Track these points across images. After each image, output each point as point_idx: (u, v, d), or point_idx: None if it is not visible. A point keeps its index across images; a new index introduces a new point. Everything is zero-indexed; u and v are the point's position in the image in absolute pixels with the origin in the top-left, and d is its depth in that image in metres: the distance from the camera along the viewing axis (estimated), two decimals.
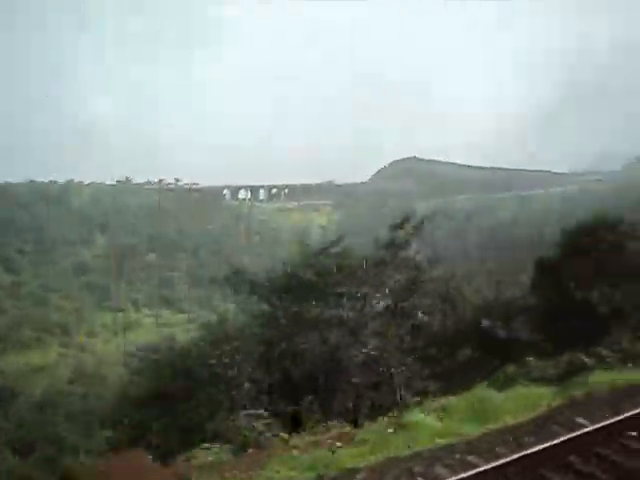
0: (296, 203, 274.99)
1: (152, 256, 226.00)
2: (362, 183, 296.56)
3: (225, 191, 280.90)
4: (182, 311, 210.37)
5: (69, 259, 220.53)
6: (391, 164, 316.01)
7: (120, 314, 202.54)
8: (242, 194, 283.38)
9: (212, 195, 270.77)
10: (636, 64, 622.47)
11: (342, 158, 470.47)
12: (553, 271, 35.57)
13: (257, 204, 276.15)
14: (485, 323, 36.99)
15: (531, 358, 24.73)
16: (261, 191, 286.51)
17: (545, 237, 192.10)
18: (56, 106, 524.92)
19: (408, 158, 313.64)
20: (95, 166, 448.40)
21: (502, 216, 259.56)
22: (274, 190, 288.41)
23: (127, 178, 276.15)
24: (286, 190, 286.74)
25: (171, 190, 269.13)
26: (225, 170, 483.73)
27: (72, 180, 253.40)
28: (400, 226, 38.65)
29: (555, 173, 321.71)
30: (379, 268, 34.46)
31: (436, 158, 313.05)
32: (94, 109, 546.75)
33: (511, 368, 24.43)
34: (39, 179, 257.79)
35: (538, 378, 21.76)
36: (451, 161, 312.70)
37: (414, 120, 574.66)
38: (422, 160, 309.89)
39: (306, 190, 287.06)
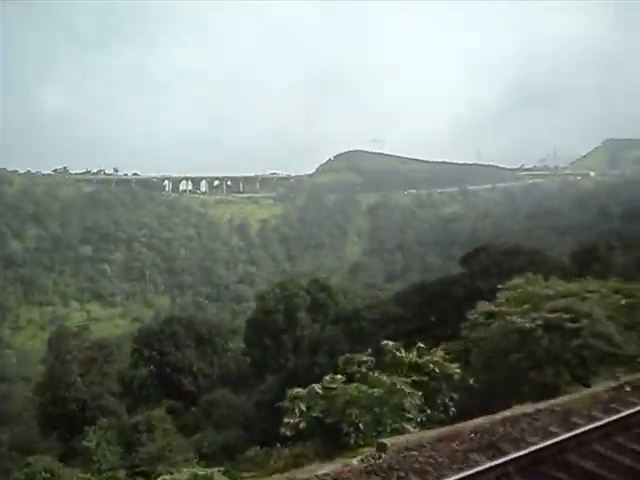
0: (238, 196, 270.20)
1: (85, 248, 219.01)
2: (307, 175, 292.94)
3: (166, 182, 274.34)
4: (114, 305, 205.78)
5: None
6: (336, 157, 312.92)
7: (49, 308, 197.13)
8: (183, 185, 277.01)
9: (152, 186, 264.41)
10: (583, 65, 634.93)
11: (288, 151, 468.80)
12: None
13: (198, 196, 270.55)
14: None
15: None
16: (203, 183, 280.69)
17: (480, 234, 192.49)
18: None
19: (354, 151, 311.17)
20: (33, 155, 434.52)
21: (446, 211, 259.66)
22: (216, 182, 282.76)
23: (65, 168, 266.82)
24: (228, 182, 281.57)
25: (109, 181, 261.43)
26: (170, 161, 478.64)
27: (4, 169, 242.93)
28: None
29: (502, 168, 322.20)
30: None
31: (382, 152, 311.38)
32: (37, 98, 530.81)
33: None
34: None
35: None
36: (397, 155, 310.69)
37: (364, 116, 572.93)
38: (367, 153, 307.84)
39: (249, 182, 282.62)
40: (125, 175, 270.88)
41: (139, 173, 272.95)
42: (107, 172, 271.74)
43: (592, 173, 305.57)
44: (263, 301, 55.15)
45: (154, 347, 52.68)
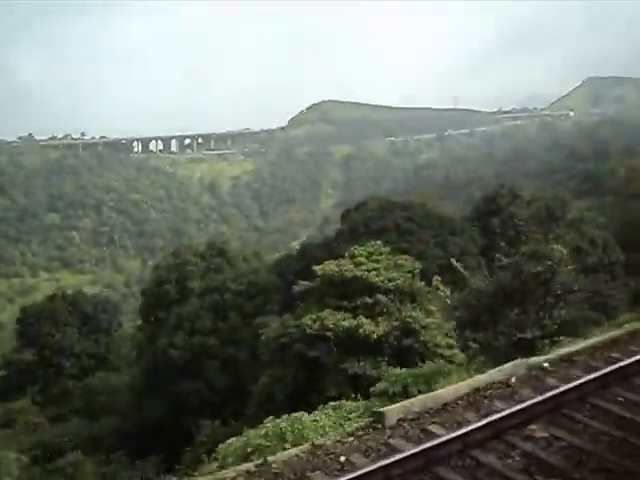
0: (209, 153, 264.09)
1: (52, 216, 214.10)
2: (279, 129, 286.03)
3: (135, 144, 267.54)
4: (83, 272, 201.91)
5: None
6: (308, 109, 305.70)
7: (17, 280, 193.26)
8: (153, 146, 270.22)
9: (120, 149, 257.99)
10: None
11: (261, 104, 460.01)
12: None
13: (168, 155, 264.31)
14: None
15: None
16: (173, 142, 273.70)
17: (453, 180, 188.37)
18: None
19: (326, 101, 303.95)
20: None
21: (421, 158, 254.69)
22: (187, 141, 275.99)
23: (30, 135, 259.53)
24: (199, 140, 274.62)
25: (75, 146, 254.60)
26: (140, 122, 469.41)
27: None
28: None
29: (481, 112, 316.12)
30: None
31: (354, 100, 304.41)
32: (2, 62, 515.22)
33: None
34: None
35: None
36: (371, 103, 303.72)
37: (340, 67, 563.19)
38: (340, 103, 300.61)
39: (221, 139, 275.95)
40: (92, 139, 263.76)
41: (106, 136, 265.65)
42: (74, 137, 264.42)
43: (571, 113, 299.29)
44: (156, 271, 51.18)
45: (35, 328, 48.83)
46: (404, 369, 14.23)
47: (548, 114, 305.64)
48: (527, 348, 18.13)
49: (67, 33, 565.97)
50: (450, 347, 21.50)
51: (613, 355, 11.50)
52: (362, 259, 23.32)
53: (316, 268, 22.95)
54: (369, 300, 21.80)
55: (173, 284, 47.56)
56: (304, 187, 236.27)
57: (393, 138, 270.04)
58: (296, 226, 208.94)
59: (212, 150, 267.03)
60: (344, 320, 21.16)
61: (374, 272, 22.45)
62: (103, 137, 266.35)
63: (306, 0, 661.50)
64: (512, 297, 24.75)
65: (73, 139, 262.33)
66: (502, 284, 25.09)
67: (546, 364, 11.35)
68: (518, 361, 11.55)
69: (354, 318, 21.37)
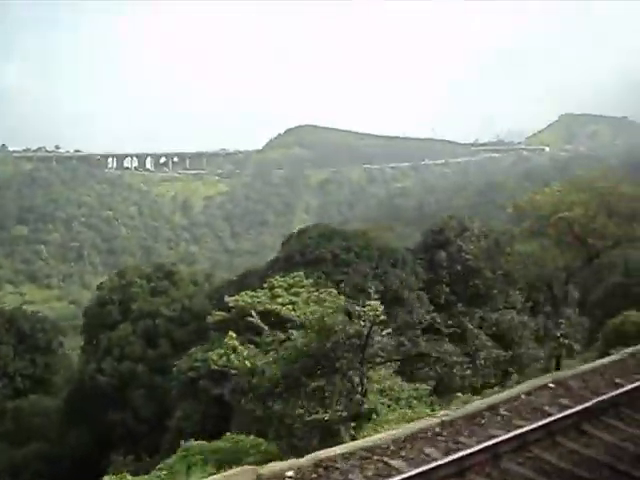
0: (184, 172, 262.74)
1: (20, 229, 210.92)
2: (256, 151, 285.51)
3: (109, 159, 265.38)
4: (50, 287, 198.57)
5: None
6: (286, 132, 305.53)
7: None
8: (127, 162, 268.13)
9: (94, 163, 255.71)
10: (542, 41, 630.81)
11: (239, 126, 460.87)
12: None
13: (143, 173, 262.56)
14: None
15: None
16: (148, 159, 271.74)
17: (425, 209, 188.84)
18: None
19: (304, 126, 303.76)
20: None
21: (396, 186, 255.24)
22: (162, 159, 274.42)
23: (3, 145, 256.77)
24: (175, 159, 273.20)
25: (49, 158, 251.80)
26: (117, 139, 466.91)
27: None
28: None
29: (457, 143, 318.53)
30: None
31: (333, 126, 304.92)
32: None
33: None
34: None
35: None
36: (350, 130, 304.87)
37: (319, 92, 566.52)
38: (319, 128, 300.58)
39: (197, 158, 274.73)
40: (67, 152, 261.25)
41: (81, 150, 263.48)
42: (48, 149, 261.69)
43: (547, 148, 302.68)
44: (100, 291, 49.82)
45: None
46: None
47: (523, 148, 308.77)
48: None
49: (43, 45, 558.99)
50: None
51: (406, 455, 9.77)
52: (280, 291, 22.41)
53: (229, 299, 21.99)
54: (282, 336, 20.80)
55: (116, 305, 46.26)
56: (278, 210, 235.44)
57: (369, 165, 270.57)
58: (267, 249, 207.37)
59: (187, 169, 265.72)
60: (253, 357, 20.10)
61: (290, 306, 21.50)
62: (78, 151, 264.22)
63: (288, 20, 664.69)
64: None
65: (47, 152, 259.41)
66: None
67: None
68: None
69: (265, 354, 20.37)
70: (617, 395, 12.25)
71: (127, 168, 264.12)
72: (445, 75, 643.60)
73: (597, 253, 35.97)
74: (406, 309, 36.51)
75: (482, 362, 37.20)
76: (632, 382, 13.09)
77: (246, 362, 19.46)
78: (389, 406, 20.43)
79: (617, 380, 13.67)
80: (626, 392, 12.51)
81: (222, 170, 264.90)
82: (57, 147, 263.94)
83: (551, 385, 13.35)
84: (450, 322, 40.32)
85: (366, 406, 18.71)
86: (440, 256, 39.08)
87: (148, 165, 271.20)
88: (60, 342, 53.18)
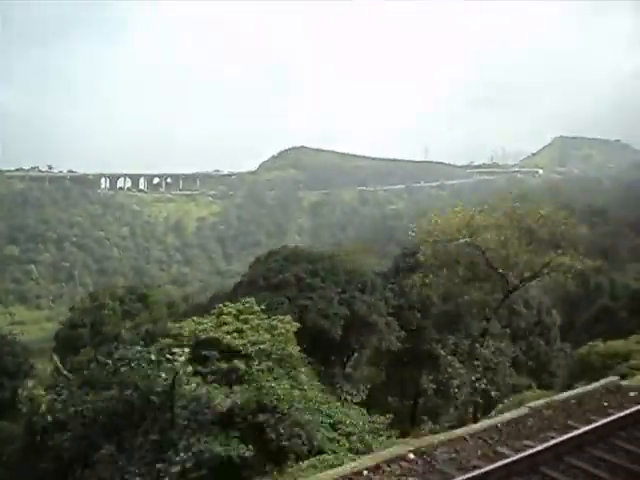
0: (177, 193, 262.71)
1: (11, 248, 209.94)
2: (249, 173, 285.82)
3: (102, 180, 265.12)
4: (40, 308, 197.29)
5: None
6: (280, 153, 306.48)
7: None
8: (121, 183, 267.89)
9: (87, 184, 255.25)
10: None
11: (232, 147, 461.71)
12: None
13: (136, 193, 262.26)
14: None
15: None
16: (141, 180, 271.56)
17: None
18: None
19: (298, 148, 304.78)
20: None
21: (389, 208, 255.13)
22: (156, 179, 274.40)
23: None
24: (168, 179, 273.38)
25: (42, 178, 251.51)
26: (110, 159, 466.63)
27: None
28: None
29: (452, 165, 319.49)
30: None
31: (326, 148, 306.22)
32: None
33: None
34: None
35: None
36: (343, 152, 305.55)
37: (313, 114, 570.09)
38: (312, 150, 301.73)
39: (190, 179, 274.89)
40: (60, 172, 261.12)
41: (75, 170, 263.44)
42: (41, 169, 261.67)
43: (540, 171, 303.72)
44: (72, 312, 49.10)
45: None
46: None
47: (517, 170, 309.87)
48: None
49: (36, 64, 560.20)
50: None
51: None
52: (228, 318, 21.71)
53: (172, 326, 21.33)
54: (225, 366, 20.02)
55: (88, 328, 45.47)
56: (270, 232, 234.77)
57: (363, 187, 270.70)
58: None
59: (180, 190, 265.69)
60: (196, 388, 19.23)
61: (236, 334, 20.78)
62: (71, 171, 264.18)
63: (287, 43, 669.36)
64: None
65: (40, 171, 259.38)
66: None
67: None
68: None
69: (209, 385, 19.57)
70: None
71: (120, 188, 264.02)
72: (439, 95, 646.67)
73: (515, 286, 33.75)
74: (376, 335, 35.83)
75: (455, 390, 36.20)
76: (517, 452, 10.07)
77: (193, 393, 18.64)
78: (338, 442, 19.67)
79: (498, 449, 10.60)
80: (504, 466, 9.49)
81: (215, 191, 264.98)
82: (50, 167, 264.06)
83: (410, 457, 10.40)
84: (422, 348, 39.82)
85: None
86: (412, 280, 38.06)
87: (141, 186, 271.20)
88: (31, 365, 52.27)
